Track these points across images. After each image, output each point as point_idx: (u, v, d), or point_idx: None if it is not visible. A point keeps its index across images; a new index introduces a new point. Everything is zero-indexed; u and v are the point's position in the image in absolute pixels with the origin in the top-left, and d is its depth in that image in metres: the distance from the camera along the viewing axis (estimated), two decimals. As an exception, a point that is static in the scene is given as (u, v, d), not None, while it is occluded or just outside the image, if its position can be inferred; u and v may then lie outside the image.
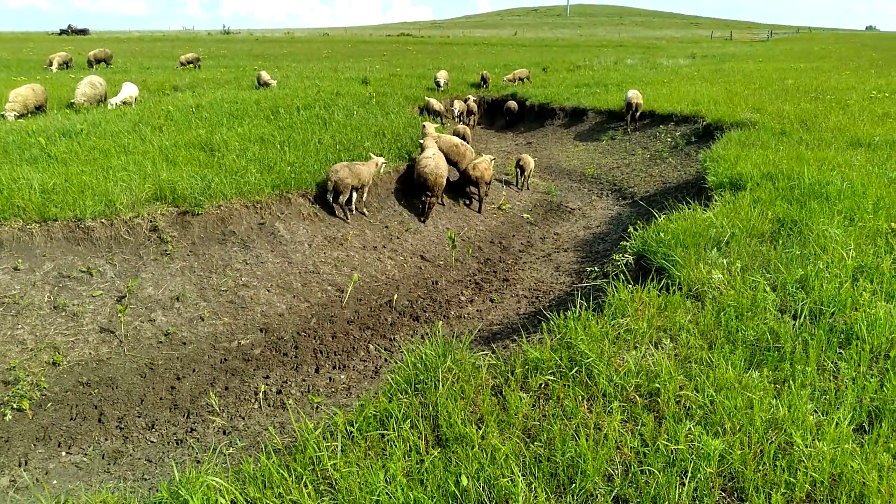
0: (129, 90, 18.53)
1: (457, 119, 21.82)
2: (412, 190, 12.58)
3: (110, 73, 27.93)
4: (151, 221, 9.23)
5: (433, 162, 12.10)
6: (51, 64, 29.91)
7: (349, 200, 11.09)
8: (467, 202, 13.60)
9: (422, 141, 13.40)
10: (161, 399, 7.12)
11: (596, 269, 9.49)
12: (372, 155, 12.25)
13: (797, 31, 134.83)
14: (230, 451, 5.96)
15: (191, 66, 32.42)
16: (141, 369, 7.47)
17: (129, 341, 7.81)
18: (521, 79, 29.12)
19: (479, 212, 13.37)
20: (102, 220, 8.94)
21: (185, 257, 9.15)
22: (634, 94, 20.00)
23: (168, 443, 6.49)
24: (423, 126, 14.58)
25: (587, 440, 3.74)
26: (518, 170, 15.24)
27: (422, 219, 12.20)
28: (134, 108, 17.10)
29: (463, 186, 13.78)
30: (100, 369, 7.36)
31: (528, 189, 15.50)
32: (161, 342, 7.93)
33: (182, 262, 9.07)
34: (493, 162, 14.08)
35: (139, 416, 6.83)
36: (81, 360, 7.42)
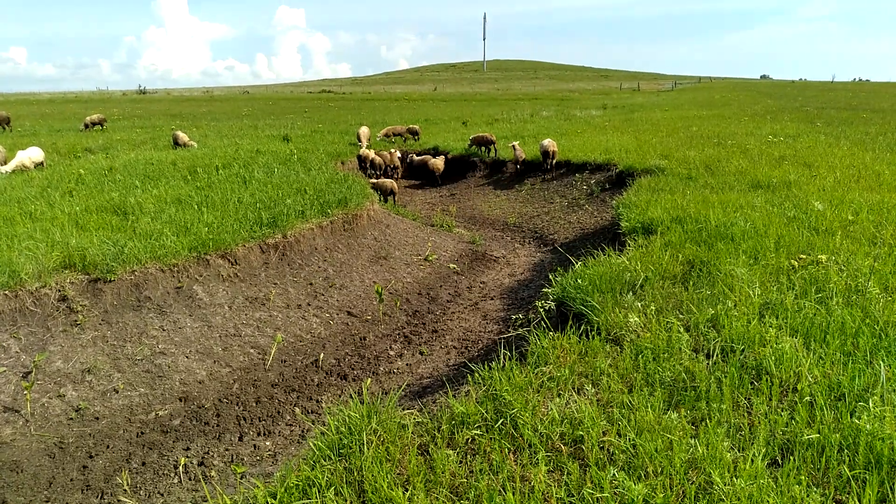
0: (23, 156, 17.30)
1: (379, 174, 21.95)
2: (337, 245, 12.59)
3: (17, 136, 26.84)
4: (60, 291, 8.79)
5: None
6: None
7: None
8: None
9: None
10: (72, 480, 6.66)
11: (521, 315, 9.61)
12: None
13: (699, 80, 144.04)
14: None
15: (97, 127, 31.46)
16: (49, 449, 6.99)
17: (36, 420, 7.32)
18: (398, 134, 27.49)
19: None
20: (6, 293, 8.46)
21: (97, 327, 8.73)
22: (549, 143, 20.80)
23: (79, 528, 6.06)
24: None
25: (514, 494, 3.72)
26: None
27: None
28: (37, 172, 16.38)
29: None
30: (2, 452, 6.85)
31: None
32: (72, 419, 7.47)
33: (94, 331, 8.65)
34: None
35: (47, 502, 6.36)
36: (-19, 445, 6.90)
